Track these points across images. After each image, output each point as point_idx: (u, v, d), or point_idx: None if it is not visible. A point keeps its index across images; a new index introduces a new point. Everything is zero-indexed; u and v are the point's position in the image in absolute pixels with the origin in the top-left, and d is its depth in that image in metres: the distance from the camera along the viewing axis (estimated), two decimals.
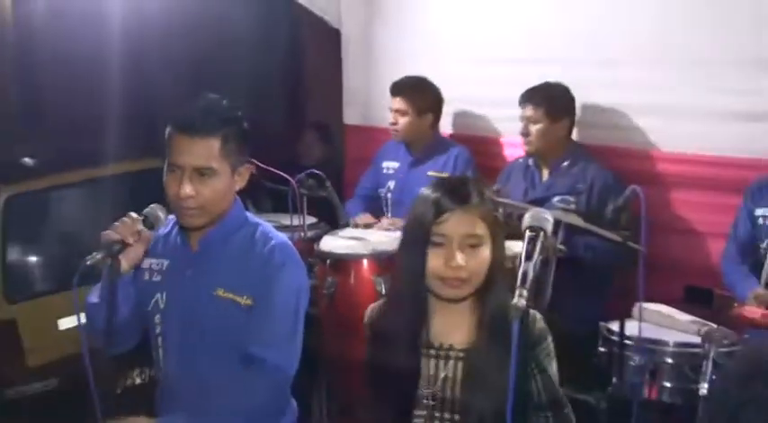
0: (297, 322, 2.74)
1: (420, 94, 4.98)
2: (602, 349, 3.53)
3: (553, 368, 2.46)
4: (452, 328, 2.46)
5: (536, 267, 2.09)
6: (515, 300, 2.01)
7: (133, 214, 2.59)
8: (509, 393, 1.99)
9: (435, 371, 2.44)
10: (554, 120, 4.42)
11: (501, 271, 2.40)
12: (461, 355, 2.43)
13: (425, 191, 2.45)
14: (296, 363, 2.74)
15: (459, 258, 2.33)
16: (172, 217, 2.77)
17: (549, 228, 2.22)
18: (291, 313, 2.71)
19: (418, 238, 2.39)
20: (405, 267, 2.47)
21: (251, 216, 2.85)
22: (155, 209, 2.64)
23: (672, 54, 4.33)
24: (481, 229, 2.35)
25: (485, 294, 2.42)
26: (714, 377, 3.06)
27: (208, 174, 2.60)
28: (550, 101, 4.42)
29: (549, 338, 2.46)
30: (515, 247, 2.38)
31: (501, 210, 4.16)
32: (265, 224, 2.84)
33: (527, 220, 2.20)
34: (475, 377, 2.39)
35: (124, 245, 2.50)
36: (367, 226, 4.75)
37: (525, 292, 2.01)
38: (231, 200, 2.75)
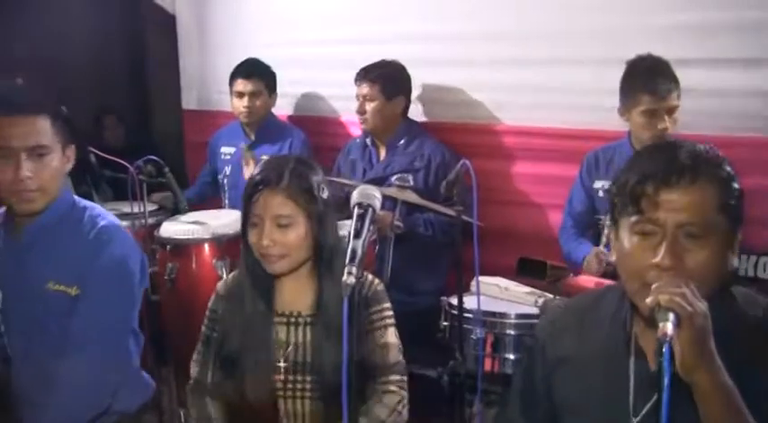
0: (125, 307, 2.69)
1: (269, 73, 4.96)
2: (444, 324, 3.54)
3: (389, 334, 2.62)
4: (299, 296, 2.60)
5: (365, 244, 2.07)
6: (344, 277, 2.01)
7: None
8: (344, 366, 2.02)
9: (287, 337, 2.60)
10: (389, 97, 4.42)
11: (333, 243, 2.55)
12: (309, 320, 2.59)
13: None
14: (127, 344, 2.72)
15: (266, 239, 2.48)
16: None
17: (377, 204, 2.20)
18: (118, 298, 2.66)
19: (243, 218, 2.57)
20: (242, 245, 2.62)
21: (78, 199, 2.77)
22: None
23: (509, 28, 4.36)
24: (290, 209, 2.48)
25: (318, 266, 2.57)
26: None
27: (44, 152, 2.54)
28: (386, 78, 4.41)
29: (386, 305, 2.63)
30: None
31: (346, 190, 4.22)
32: (96, 208, 2.76)
33: (355, 197, 2.19)
34: (321, 341, 2.55)
35: None
36: None
37: (354, 270, 2.02)
38: (62, 182, 2.68)
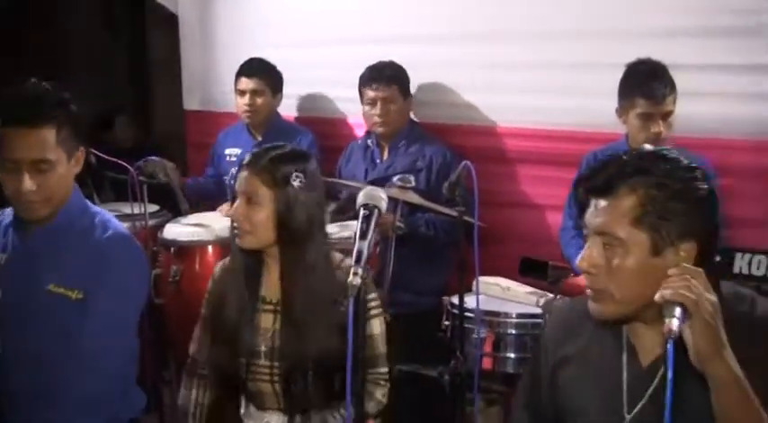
0: (127, 317, 2.69)
1: (274, 73, 4.96)
2: (446, 323, 3.57)
3: (374, 325, 2.78)
4: (272, 282, 2.75)
5: (371, 245, 2.11)
6: (350, 278, 2.04)
7: None
8: (348, 365, 2.05)
9: (272, 323, 2.74)
10: (405, 97, 4.46)
11: (300, 228, 2.66)
12: (277, 308, 2.74)
13: None
14: (124, 358, 2.71)
15: (235, 211, 2.68)
16: (10, 209, 2.70)
17: (384, 205, 2.23)
18: (123, 308, 2.65)
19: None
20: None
21: (91, 205, 2.77)
22: None
23: (507, 29, 4.39)
24: (258, 189, 2.64)
25: (281, 249, 2.71)
26: None
27: (48, 165, 2.51)
28: (400, 79, 4.44)
29: (373, 294, 2.76)
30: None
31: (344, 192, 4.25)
32: (106, 214, 2.76)
33: (360, 198, 2.22)
34: (285, 327, 2.70)
35: None
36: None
37: (360, 270, 2.05)
38: (71, 186, 2.67)
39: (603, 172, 1.87)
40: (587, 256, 1.88)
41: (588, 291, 1.91)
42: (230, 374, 2.77)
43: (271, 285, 2.77)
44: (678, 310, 1.68)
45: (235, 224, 2.70)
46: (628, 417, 1.95)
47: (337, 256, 2.79)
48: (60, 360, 2.56)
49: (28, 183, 2.49)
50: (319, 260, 2.69)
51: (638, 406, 1.94)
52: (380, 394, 2.82)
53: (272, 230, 2.67)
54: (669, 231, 1.82)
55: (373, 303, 2.78)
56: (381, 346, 2.81)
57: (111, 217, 2.77)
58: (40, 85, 2.60)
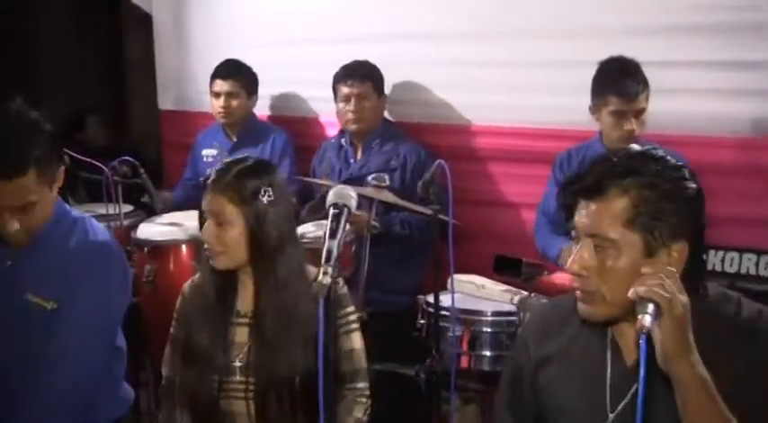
0: (104, 324, 2.67)
1: (249, 75, 4.96)
2: (422, 322, 3.56)
3: (354, 340, 2.72)
4: (248, 296, 2.69)
5: (341, 244, 2.10)
6: (320, 277, 2.02)
7: None
8: (319, 370, 2.03)
9: (248, 337, 2.66)
10: (379, 95, 4.46)
11: (271, 243, 2.59)
12: (250, 321, 2.67)
13: None
14: (105, 362, 2.69)
15: (205, 235, 2.61)
16: None
17: (353, 204, 2.22)
18: (99, 315, 2.63)
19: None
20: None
21: (72, 212, 2.74)
22: None
23: (481, 28, 4.39)
24: (227, 209, 2.57)
25: (254, 265, 2.64)
26: None
27: (30, 206, 2.48)
28: (374, 76, 4.45)
29: (350, 308, 2.74)
30: None
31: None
32: (87, 220, 2.73)
33: (330, 197, 2.20)
34: (257, 342, 2.63)
35: None
36: None
37: (330, 270, 2.02)
38: (53, 205, 2.63)
39: (593, 173, 1.86)
40: (578, 258, 1.86)
41: (578, 293, 1.89)
42: (202, 397, 2.66)
43: (246, 299, 2.70)
44: (651, 307, 1.68)
45: (206, 246, 2.63)
46: (611, 416, 1.94)
47: (312, 269, 2.68)
48: (31, 365, 2.54)
49: (12, 224, 2.48)
50: (292, 274, 2.62)
51: (621, 404, 1.94)
52: (360, 412, 2.73)
53: (244, 248, 2.60)
54: (661, 232, 1.82)
55: (352, 317, 2.73)
56: (363, 361, 2.75)
57: (94, 223, 2.74)
58: (12, 126, 2.51)
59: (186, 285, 2.83)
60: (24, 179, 2.43)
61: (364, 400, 2.74)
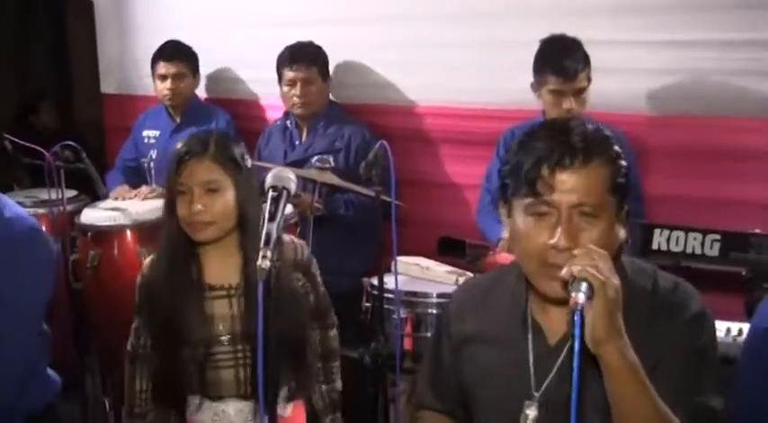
0: (32, 307, 2.58)
1: (192, 55, 4.93)
2: (367, 305, 3.56)
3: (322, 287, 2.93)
4: (227, 268, 2.68)
5: (280, 227, 2.08)
6: (259, 261, 2.01)
7: None
8: (259, 354, 2.05)
9: (229, 309, 2.68)
10: (324, 78, 4.44)
11: (257, 208, 2.53)
12: (241, 292, 2.68)
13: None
14: (33, 343, 2.62)
15: (197, 204, 2.56)
16: None
17: (293, 186, 2.20)
18: (24, 297, 2.54)
19: (168, 191, 2.65)
20: (164, 220, 2.69)
21: None
22: None
23: (424, 9, 4.38)
24: (218, 174, 2.58)
25: (243, 234, 2.64)
26: None
27: None
28: (320, 60, 4.43)
29: (315, 264, 2.90)
30: None
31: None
32: (10, 207, 2.61)
33: (269, 180, 2.18)
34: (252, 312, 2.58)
35: None
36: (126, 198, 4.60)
37: (269, 253, 2.01)
38: None
39: (566, 147, 1.81)
40: (567, 231, 1.80)
41: (564, 272, 1.75)
42: (175, 372, 2.69)
43: (216, 272, 2.69)
44: (584, 286, 1.67)
45: (191, 219, 2.58)
46: (536, 394, 1.94)
47: (287, 237, 2.80)
48: None
49: None
50: None
51: (545, 383, 1.94)
52: (339, 384, 3.00)
53: (232, 219, 2.61)
54: (625, 195, 1.86)
55: (318, 273, 2.92)
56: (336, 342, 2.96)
57: (17, 209, 2.63)
58: None
59: (145, 265, 2.81)
60: None
61: (336, 378, 3.02)
